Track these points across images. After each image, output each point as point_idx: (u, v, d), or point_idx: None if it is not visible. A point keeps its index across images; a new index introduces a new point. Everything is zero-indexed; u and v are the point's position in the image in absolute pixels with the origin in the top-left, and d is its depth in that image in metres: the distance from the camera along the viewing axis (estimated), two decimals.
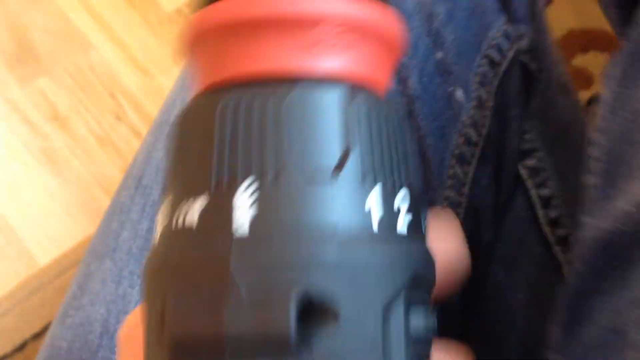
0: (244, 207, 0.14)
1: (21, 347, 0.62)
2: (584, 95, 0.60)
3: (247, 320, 0.13)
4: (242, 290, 0.13)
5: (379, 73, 0.16)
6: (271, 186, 0.14)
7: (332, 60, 0.15)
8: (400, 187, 0.15)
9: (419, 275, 0.14)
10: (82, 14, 0.78)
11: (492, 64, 0.29)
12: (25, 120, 0.72)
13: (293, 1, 0.14)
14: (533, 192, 0.30)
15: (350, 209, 0.14)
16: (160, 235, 0.15)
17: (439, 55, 0.29)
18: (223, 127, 0.14)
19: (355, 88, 0.15)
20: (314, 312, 0.13)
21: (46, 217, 0.69)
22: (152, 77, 0.76)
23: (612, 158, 0.22)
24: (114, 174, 0.71)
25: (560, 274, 0.29)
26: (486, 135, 0.29)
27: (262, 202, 0.14)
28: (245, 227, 0.13)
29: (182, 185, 0.15)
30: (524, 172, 0.31)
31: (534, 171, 0.30)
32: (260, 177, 0.14)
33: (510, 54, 0.30)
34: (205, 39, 0.15)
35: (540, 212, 0.30)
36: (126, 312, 0.27)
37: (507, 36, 0.30)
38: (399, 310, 0.14)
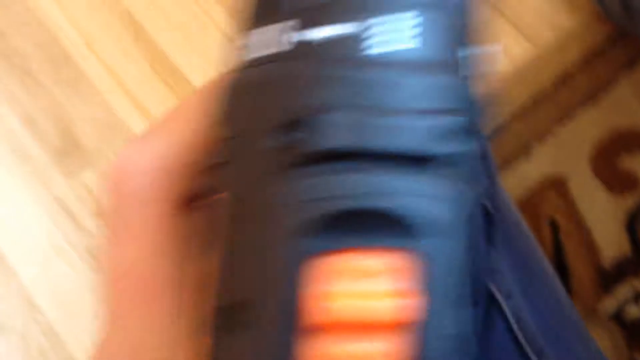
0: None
1: None
2: (629, 198, 0.61)
3: None
4: None
5: None
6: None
7: None
8: None
9: None
10: (126, 104, 0.73)
11: None
12: (70, 216, 0.70)
13: None
14: (506, 309, 0.29)
15: None
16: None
17: None
18: None
19: None
20: None
21: (91, 320, 0.64)
22: None
23: None
24: None
25: None
26: None
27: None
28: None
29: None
30: (495, 290, 0.29)
31: (504, 290, 0.30)
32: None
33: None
34: None
35: (515, 326, 0.29)
36: None
37: None
38: None
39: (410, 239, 0.13)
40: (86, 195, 0.74)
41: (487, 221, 0.16)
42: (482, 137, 0.16)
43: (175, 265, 0.18)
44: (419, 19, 0.14)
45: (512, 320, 0.31)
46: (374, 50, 0.14)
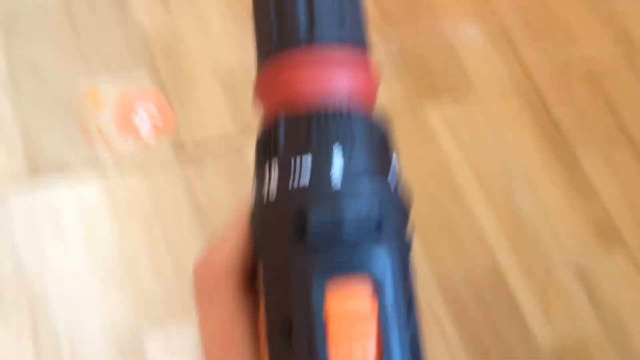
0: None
1: None
2: None
3: None
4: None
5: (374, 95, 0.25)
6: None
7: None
8: None
9: None
10: None
11: None
12: None
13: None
14: None
15: None
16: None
17: None
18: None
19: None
20: None
21: None
22: None
23: None
24: None
25: None
26: None
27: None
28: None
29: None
30: None
31: None
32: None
33: None
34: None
35: None
36: None
37: None
38: None
39: (378, 269, 0.22)
40: None
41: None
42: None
43: (251, 315, 0.26)
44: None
45: None
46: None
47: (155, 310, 0.71)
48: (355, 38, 0.24)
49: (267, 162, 0.24)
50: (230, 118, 0.84)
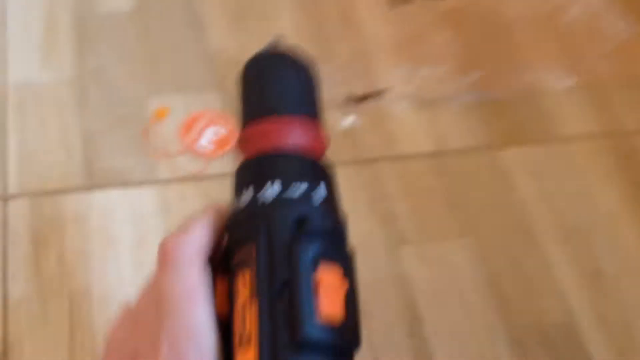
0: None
1: None
2: None
3: None
4: None
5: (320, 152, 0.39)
6: None
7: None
8: None
9: None
10: None
11: None
12: None
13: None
14: None
15: None
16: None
17: None
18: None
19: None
20: None
21: None
22: None
23: None
24: None
25: None
26: None
27: None
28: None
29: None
30: None
31: None
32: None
33: None
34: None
35: None
36: None
37: None
38: None
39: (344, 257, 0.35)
40: None
41: None
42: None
43: (210, 287, 0.34)
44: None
45: None
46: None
47: None
48: (309, 112, 0.39)
49: (244, 184, 0.36)
50: None
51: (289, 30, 0.89)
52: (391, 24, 0.94)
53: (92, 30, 0.87)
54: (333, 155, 0.86)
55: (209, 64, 0.85)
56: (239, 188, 0.37)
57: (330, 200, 0.37)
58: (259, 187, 0.36)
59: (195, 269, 0.34)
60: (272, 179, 0.35)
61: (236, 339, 0.32)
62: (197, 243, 0.35)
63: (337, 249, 0.35)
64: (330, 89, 0.84)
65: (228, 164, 0.79)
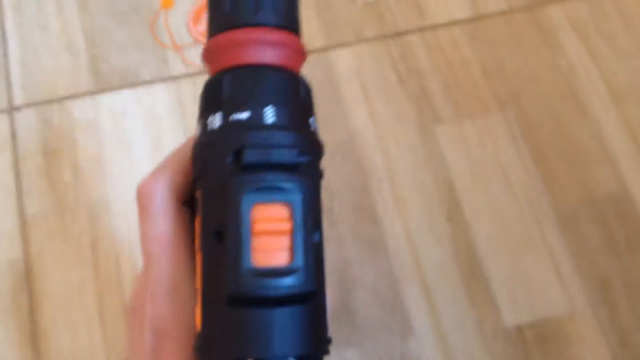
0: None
1: None
2: None
3: None
4: None
5: (300, 67, 0.32)
6: None
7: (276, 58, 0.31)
8: None
9: None
10: (416, 289, 0.66)
11: None
12: None
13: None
14: None
15: None
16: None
17: None
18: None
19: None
20: None
21: None
22: None
23: None
24: None
25: None
26: None
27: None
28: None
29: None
30: None
31: None
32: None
33: None
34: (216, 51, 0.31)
35: None
36: None
37: None
38: None
39: (293, 194, 0.28)
40: None
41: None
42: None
43: (187, 231, 0.31)
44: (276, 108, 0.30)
45: None
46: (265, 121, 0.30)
47: None
48: (289, 25, 0.32)
49: (214, 102, 0.30)
50: (321, 32, 0.75)
51: None
52: None
53: None
54: (357, 32, 0.81)
55: None
56: (200, 113, 0.32)
57: (291, 121, 0.30)
58: (207, 112, 0.30)
59: (167, 215, 0.31)
60: (220, 102, 0.30)
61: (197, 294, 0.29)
62: (167, 185, 0.31)
63: (286, 181, 0.28)
64: None
65: None
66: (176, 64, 0.73)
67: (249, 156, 0.28)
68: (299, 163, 0.29)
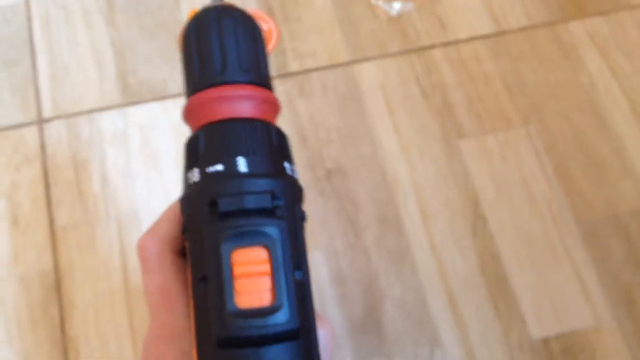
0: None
1: None
2: None
3: None
4: None
5: (273, 116, 0.34)
6: None
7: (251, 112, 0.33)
8: None
9: None
10: (442, 301, 0.66)
11: None
12: None
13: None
14: None
15: None
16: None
17: None
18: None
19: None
20: None
21: None
22: None
23: None
24: None
25: None
26: None
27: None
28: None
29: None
30: None
31: None
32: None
33: None
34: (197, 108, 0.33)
35: None
36: None
37: None
38: None
39: (268, 240, 0.29)
40: None
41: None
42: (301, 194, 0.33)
43: (184, 281, 0.33)
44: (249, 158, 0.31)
45: None
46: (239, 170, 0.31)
47: None
48: (255, 80, 0.34)
49: (192, 158, 0.32)
50: (345, 47, 0.76)
51: None
52: None
53: None
54: (381, 46, 0.82)
55: None
56: (183, 168, 0.33)
57: (264, 168, 0.31)
58: (188, 167, 0.32)
59: (163, 268, 0.33)
60: (197, 157, 0.32)
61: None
62: (162, 239, 0.34)
63: (262, 224, 0.29)
64: None
65: (271, 61, 0.74)
66: None
67: (223, 205, 0.29)
68: (275, 206, 0.30)
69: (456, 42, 0.77)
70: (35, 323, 0.63)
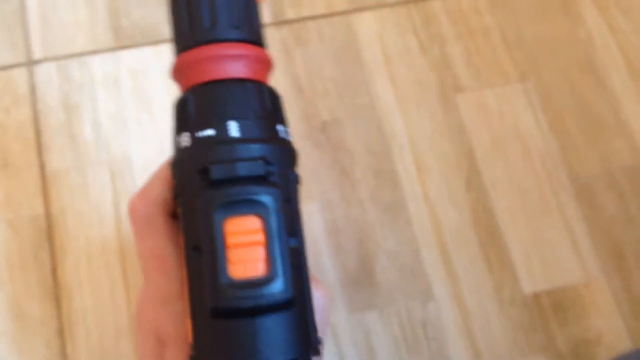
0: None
1: None
2: None
3: None
4: None
5: (265, 75, 0.32)
6: None
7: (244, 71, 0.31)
8: None
9: None
10: (435, 255, 0.66)
11: None
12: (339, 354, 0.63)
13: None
14: None
15: None
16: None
17: None
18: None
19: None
20: None
21: None
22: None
23: None
24: None
25: None
26: None
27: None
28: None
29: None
30: None
31: None
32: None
33: None
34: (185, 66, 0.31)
35: None
36: None
37: None
38: None
39: (262, 208, 0.28)
40: (362, 340, 0.65)
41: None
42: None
43: (176, 244, 0.32)
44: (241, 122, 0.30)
45: None
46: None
47: None
48: (247, 36, 0.32)
49: (182, 121, 0.31)
50: None
51: None
52: None
53: None
54: None
55: None
56: (172, 131, 0.32)
57: (256, 133, 0.30)
58: (178, 131, 0.31)
59: (156, 230, 0.32)
60: (186, 120, 0.31)
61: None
62: (155, 201, 0.33)
63: (255, 192, 0.29)
64: None
65: (267, 8, 0.73)
66: None
67: (215, 173, 0.28)
68: (269, 173, 0.29)
69: None
70: (26, 268, 0.63)
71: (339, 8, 0.74)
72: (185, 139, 0.30)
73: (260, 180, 0.29)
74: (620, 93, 0.72)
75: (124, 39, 0.71)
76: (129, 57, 0.70)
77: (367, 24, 0.74)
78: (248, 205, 0.28)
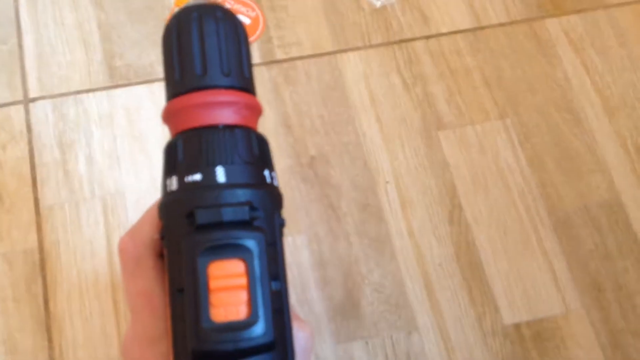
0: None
1: None
2: None
3: None
4: None
5: (254, 121, 0.33)
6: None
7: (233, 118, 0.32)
8: None
9: None
10: (419, 287, 0.68)
11: None
12: None
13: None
14: None
15: None
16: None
17: None
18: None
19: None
20: None
21: None
22: None
23: None
24: None
25: None
26: None
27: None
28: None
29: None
30: None
31: None
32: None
33: None
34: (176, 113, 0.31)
35: None
36: None
37: None
38: None
39: (246, 252, 0.29)
40: None
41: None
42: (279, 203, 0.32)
43: (164, 284, 0.32)
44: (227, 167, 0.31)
45: None
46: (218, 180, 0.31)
47: None
48: (236, 83, 0.32)
49: (171, 165, 0.31)
50: (330, 37, 0.77)
51: None
52: None
53: None
54: (365, 37, 0.83)
55: None
56: (163, 173, 0.33)
57: (243, 178, 0.31)
58: (167, 173, 0.32)
59: (145, 271, 0.33)
60: (175, 164, 0.31)
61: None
62: (144, 242, 0.33)
63: (239, 237, 0.29)
64: None
65: (257, 48, 0.75)
66: None
67: (201, 217, 0.29)
68: (254, 217, 0.30)
69: (438, 36, 0.79)
70: (19, 301, 0.64)
71: (326, 49, 0.77)
72: (174, 183, 0.31)
73: (245, 225, 0.29)
74: (597, 130, 0.75)
75: (118, 78, 0.73)
76: (123, 96, 0.72)
77: (352, 64, 0.76)
78: (232, 250, 0.29)
